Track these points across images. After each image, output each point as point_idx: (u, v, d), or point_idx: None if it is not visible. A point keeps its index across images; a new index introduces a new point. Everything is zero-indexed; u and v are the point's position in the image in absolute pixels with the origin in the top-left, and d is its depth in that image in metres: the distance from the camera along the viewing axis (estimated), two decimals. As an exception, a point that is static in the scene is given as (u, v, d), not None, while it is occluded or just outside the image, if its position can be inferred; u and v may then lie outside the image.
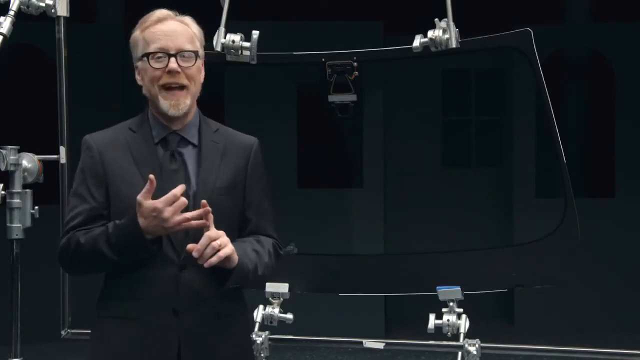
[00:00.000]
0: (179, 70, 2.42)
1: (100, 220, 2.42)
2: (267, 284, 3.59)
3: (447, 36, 3.28)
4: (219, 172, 2.47)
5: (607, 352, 3.56)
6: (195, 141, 2.50)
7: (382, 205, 8.62)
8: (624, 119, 8.64)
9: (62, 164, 3.35)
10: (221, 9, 3.47)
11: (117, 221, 2.36)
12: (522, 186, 8.76)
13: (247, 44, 3.45)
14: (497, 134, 9.63)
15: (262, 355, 3.49)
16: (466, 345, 3.37)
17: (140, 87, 2.50)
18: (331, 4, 8.59)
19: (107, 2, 8.50)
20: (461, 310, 3.43)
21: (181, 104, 2.43)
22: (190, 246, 2.29)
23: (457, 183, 9.39)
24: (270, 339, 3.51)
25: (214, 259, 2.28)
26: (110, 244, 2.34)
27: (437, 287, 3.43)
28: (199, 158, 2.48)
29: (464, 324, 3.40)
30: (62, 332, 3.54)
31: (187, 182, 2.43)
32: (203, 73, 2.53)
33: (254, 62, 3.47)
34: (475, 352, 3.36)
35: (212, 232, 2.30)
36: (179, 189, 2.27)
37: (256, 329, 3.52)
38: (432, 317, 3.40)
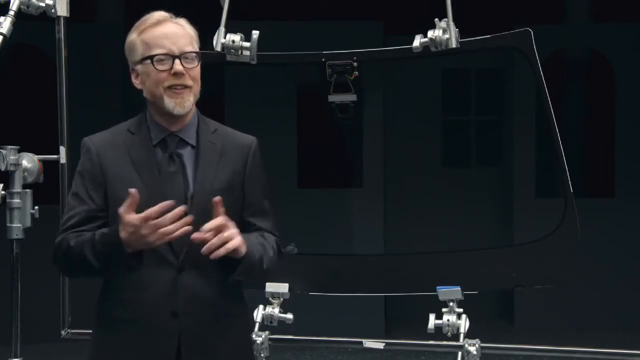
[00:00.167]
0: (184, 72, 2.42)
1: (97, 221, 2.42)
2: (267, 284, 3.59)
3: (447, 36, 3.28)
4: (217, 173, 2.47)
5: (607, 352, 3.56)
6: (194, 142, 2.49)
7: (382, 205, 8.62)
8: (624, 119, 8.64)
9: (62, 164, 3.36)
10: (221, 9, 3.47)
11: (105, 230, 2.36)
12: (522, 186, 8.76)
13: (247, 44, 3.45)
14: (497, 134, 9.63)
15: (262, 355, 3.49)
16: (466, 345, 3.37)
17: (138, 90, 2.50)
18: (331, 4, 8.59)
19: (107, 2, 8.50)
20: (461, 310, 3.43)
21: (186, 102, 2.44)
22: (195, 235, 2.28)
23: (457, 183, 9.39)
24: (270, 339, 3.51)
25: (221, 251, 2.28)
26: (94, 251, 2.34)
27: (437, 287, 3.43)
28: (197, 159, 2.48)
29: (464, 324, 3.40)
30: (62, 332, 3.54)
31: (185, 183, 2.43)
32: None
33: (254, 62, 3.47)
34: (475, 352, 3.36)
35: (220, 220, 2.29)
36: (163, 205, 2.26)
37: (256, 329, 3.52)
38: (432, 317, 3.40)
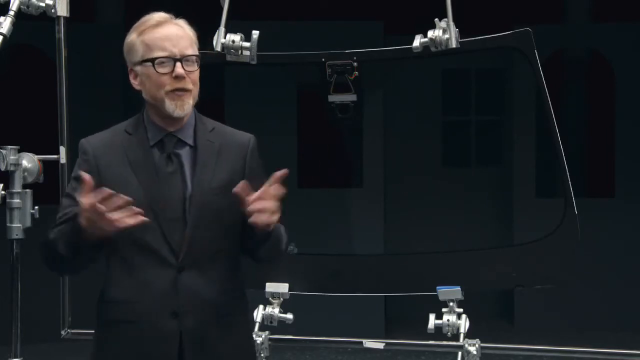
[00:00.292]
0: (185, 75, 2.42)
1: None
2: (267, 284, 3.60)
3: (447, 36, 3.28)
4: (215, 172, 2.47)
5: (607, 352, 3.56)
6: (191, 142, 2.49)
7: (382, 205, 8.62)
8: (624, 119, 8.64)
9: (62, 164, 3.36)
10: (221, 9, 3.47)
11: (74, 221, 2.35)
12: (522, 186, 8.76)
13: (247, 44, 3.45)
14: (497, 134, 9.63)
15: (262, 355, 3.49)
16: (466, 345, 3.37)
17: (137, 90, 2.50)
18: (331, 4, 8.59)
19: (107, 2, 8.50)
20: (461, 310, 3.43)
21: (186, 104, 2.44)
22: (254, 199, 2.26)
23: (457, 183, 9.39)
24: (270, 339, 3.52)
25: (271, 219, 2.28)
26: (64, 241, 2.34)
27: (437, 287, 3.43)
28: (195, 159, 2.47)
29: (464, 324, 3.40)
30: (62, 332, 3.54)
31: (184, 183, 2.43)
32: None
33: (254, 62, 3.47)
34: (475, 352, 3.36)
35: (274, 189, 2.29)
36: (120, 199, 2.23)
37: (256, 329, 3.52)
38: (432, 317, 3.40)
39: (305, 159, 8.49)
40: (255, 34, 3.43)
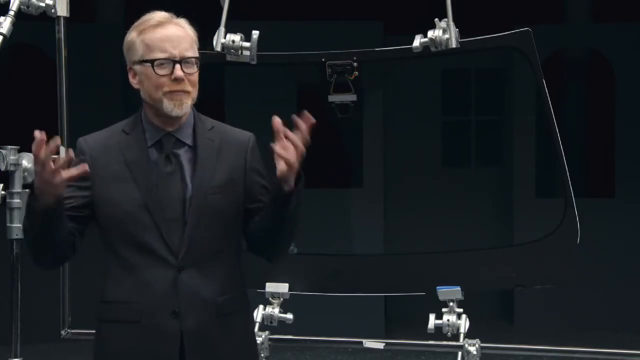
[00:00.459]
0: (184, 77, 2.41)
1: (72, 221, 2.40)
2: (267, 284, 3.60)
3: (447, 36, 3.28)
4: (215, 171, 2.46)
5: (607, 352, 3.56)
6: (190, 141, 2.48)
7: (382, 205, 8.62)
8: (624, 119, 8.64)
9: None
10: (221, 9, 3.47)
11: None
12: (522, 186, 8.76)
13: (247, 44, 3.45)
14: (497, 134, 9.63)
15: (262, 355, 3.49)
16: (466, 345, 3.37)
17: (135, 89, 2.49)
18: (331, 4, 8.58)
19: (107, 2, 8.50)
20: (461, 310, 3.43)
21: (184, 104, 2.43)
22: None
23: (457, 183, 9.39)
24: (270, 339, 3.52)
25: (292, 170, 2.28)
26: (29, 221, 2.34)
27: (437, 287, 3.43)
28: (195, 158, 2.47)
29: (464, 324, 3.40)
30: (62, 332, 3.54)
31: (183, 183, 2.43)
32: None
33: (254, 62, 3.47)
34: (475, 352, 3.36)
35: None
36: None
37: (256, 329, 3.52)
38: (432, 317, 3.40)
39: (305, 159, 8.47)
40: (255, 34, 3.43)
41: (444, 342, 3.46)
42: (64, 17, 3.35)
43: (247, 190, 2.50)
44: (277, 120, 2.29)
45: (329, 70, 3.53)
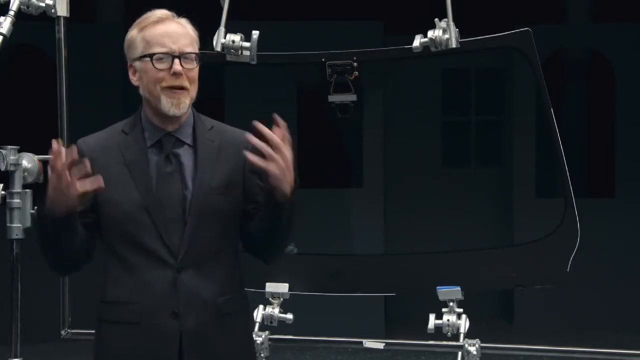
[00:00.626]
0: (183, 72, 2.41)
1: (83, 228, 2.41)
2: (267, 284, 3.60)
3: (447, 36, 3.28)
4: (215, 172, 2.46)
5: (607, 352, 3.56)
6: (190, 141, 2.48)
7: (382, 205, 8.62)
8: (624, 119, 8.64)
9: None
10: (221, 9, 3.47)
11: None
12: (522, 186, 8.77)
13: (247, 44, 3.45)
14: (497, 134, 9.64)
15: (262, 355, 3.49)
16: (466, 345, 3.37)
17: (135, 87, 2.50)
18: (331, 4, 8.59)
19: (107, 2, 8.50)
20: (461, 310, 3.43)
21: (182, 103, 2.42)
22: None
23: (457, 183, 9.39)
24: (270, 339, 3.52)
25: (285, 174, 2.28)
26: (41, 227, 2.35)
27: (437, 287, 3.43)
28: (195, 158, 2.47)
29: (464, 324, 3.40)
30: (62, 332, 3.54)
31: (183, 184, 2.43)
32: None
33: (254, 62, 3.47)
34: (475, 352, 3.36)
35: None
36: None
37: (256, 329, 3.52)
38: (432, 317, 3.40)
39: (305, 158, 8.48)
40: (255, 34, 3.43)
41: (444, 342, 3.46)
42: (64, 17, 3.34)
43: (245, 190, 2.50)
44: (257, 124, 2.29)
45: (329, 70, 3.53)
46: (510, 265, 3.56)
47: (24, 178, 3.18)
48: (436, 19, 3.29)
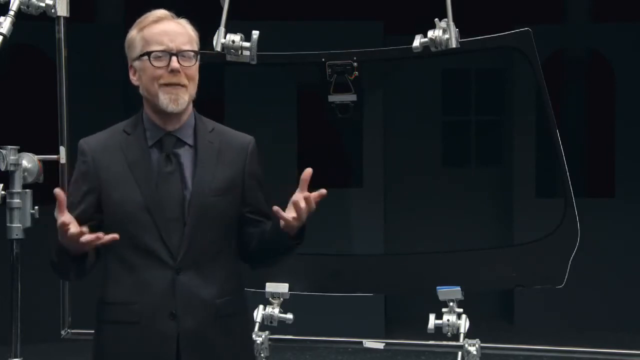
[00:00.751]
0: (180, 69, 2.42)
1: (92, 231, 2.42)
2: (267, 284, 3.60)
3: (447, 36, 3.28)
4: (215, 173, 2.46)
5: (607, 352, 3.56)
6: (191, 142, 2.48)
7: (382, 205, 8.62)
8: (624, 119, 8.64)
9: (62, 164, 3.35)
10: (221, 9, 3.47)
11: None
12: (522, 186, 8.76)
13: (247, 44, 3.45)
14: (497, 134, 9.63)
15: (262, 355, 3.49)
16: (466, 345, 3.37)
17: (136, 87, 2.50)
18: (331, 4, 8.58)
19: (107, 2, 8.50)
20: (461, 310, 3.43)
21: (180, 99, 2.42)
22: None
23: (457, 183, 9.39)
24: (270, 339, 3.51)
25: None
26: (59, 258, 2.37)
27: (437, 287, 3.43)
28: (195, 159, 2.47)
29: (464, 324, 3.40)
30: (62, 332, 3.54)
31: (183, 184, 2.43)
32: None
33: (254, 62, 3.47)
34: (475, 352, 3.36)
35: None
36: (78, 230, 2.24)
37: (256, 329, 3.52)
38: (432, 317, 3.40)
39: (305, 158, 8.48)
40: (255, 34, 3.43)
41: (444, 342, 3.46)
42: (64, 17, 3.34)
43: (243, 194, 2.51)
44: (307, 172, 2.34)
45: (329, 70, 3.53)
46: (510, 265, 3.56)
47: (24, 178, 3.19)
48: (436, 19, 3.29)
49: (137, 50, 2.45)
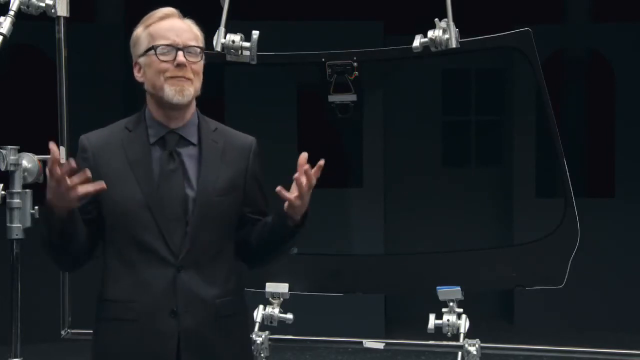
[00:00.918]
0: (186, 64, 2.42)
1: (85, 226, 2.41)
2: (267, 284, 3.60)
3: (447, 36, 3.28)
4: (219, 173, 2.47)
5: (607, 352, 3.56)
6: (195, 140, 2.49)
7: (382, 205, 8.62)
8: (624, 119, 8.64)
9: (62, 164, 3.34)
10: (221, 9, 3.47)
11: None
12: (522, 186, 8.76)
13: (247, 44, 3.45)
14: (497, 134, 9.63)
15: (262, 355, 3.49)
16: (466, 345, 3.37)
17: (140, 83, 2.50)
18: (331, 4, 8.59)
19: (107, 2, 8.50)
20: (461, 310, 3.43)
21: (185, 91, 2.42)
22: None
23: (457, 183, 9.39)
24: (270, 339, 3.51)
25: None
26: (46, 227, 2.34)
27: (437, 287, 3.43)
28: (200, 158, 2.47)
29: (464, 324, 3.40)
30: (62, 332, 3.54)
31: (186, 182, 2.43)
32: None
33: (254, 62, 3.47)
34: (475, 352, 3.36)
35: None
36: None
37: (256, 329, 3.52)
38: (432, 317, 3.40)
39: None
40: (255, 34, 3.43)
41: (444, 342, 3.46)
42: (64, 17, 3.34)
43: (245, 195, 2.51)
44: (303, 156, 2.35)
45: (329, 70, 3.53)
46: (510, 265, 3.56)
47: (24, 178, 3.18)
48: (436, 19, 3.29)
49: (143, 46, 2.45)
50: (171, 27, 2.44)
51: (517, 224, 8.59)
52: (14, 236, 3.18)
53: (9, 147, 3.16)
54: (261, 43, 3.44)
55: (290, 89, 8.39)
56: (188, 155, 2.47)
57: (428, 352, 6.96)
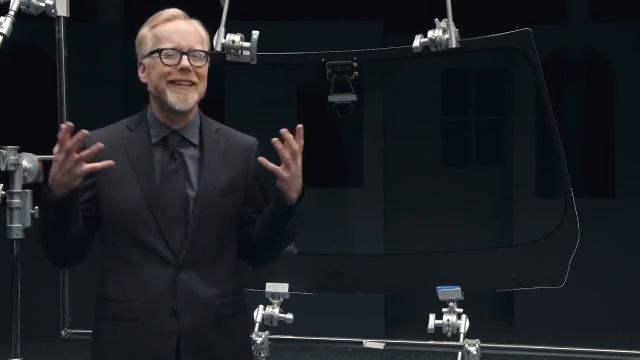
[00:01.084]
0: (191, 68, 2.42)
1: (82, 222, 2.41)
2: (267, 284, 3.60)
3: (447, 36, 3.28)
4: (220, 173, 2.47)
5: (607, 352, 3.56)
6: (196, 141, 2.49)
7: (382, 205, 8.62)
8: (624, 119, 8.64)
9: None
10: (221, 9, 3.47)
11: None
12: (522, 186, 8.77)
13: (247, 44, 3.45)
14: (497, 134, 9.64)
15: (262, 355, 3.49)
16: (466, 345, 3.37)
17: (144, 84, 2.49)
18: (331, 4, 8.59)
19: (107, 2, 8.50)
20: (461, 310, 3.43)
21: (189, 98, 2.43)
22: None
23: (457, 183, 9.39)
24: (270, 339, 3.51)
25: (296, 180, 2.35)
26: (42, 215, 2.34)
27: (437, 287, 3.42)
28: (201, 158, 2.47)
29: (464, 324, 3.40)
30: (62, 332, 3.54)
31: (187, 182, 2.43)
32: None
33: (254, 62, 3.47)
34: (475, 352, 3.36)
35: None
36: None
37: (256, 329, 3.52)
38: (432, 317, 3.40)
39: (305, 158, 8.47)
40: (255, 34, 3.43)
41: (444, 342, 3.46)
42: (64, 17, 3.34)
43: (246, 195, 2.51)
44: (284, 129, 2.33)
45: (329, 70, 3.53)
46: (510, 265, 3.56)
47: (24, 178, 3.18)
48: (436, 19, 3.29)
49: (148, 48, 2.45)
50: (177, 30, 2.44)
51: (517, 224, 8.59)
52: (14, 236, 3.18)
53: (9, 147, 3.16)
54: (261, 43, 3.44)
55: (290, 89, 8.40)
56: (189, 155, 2.47)
57: (428, 352, 6.96)
